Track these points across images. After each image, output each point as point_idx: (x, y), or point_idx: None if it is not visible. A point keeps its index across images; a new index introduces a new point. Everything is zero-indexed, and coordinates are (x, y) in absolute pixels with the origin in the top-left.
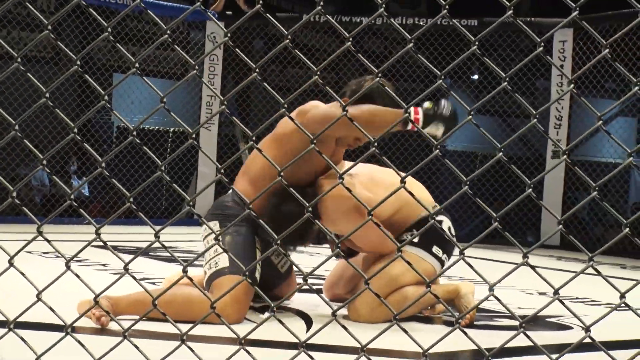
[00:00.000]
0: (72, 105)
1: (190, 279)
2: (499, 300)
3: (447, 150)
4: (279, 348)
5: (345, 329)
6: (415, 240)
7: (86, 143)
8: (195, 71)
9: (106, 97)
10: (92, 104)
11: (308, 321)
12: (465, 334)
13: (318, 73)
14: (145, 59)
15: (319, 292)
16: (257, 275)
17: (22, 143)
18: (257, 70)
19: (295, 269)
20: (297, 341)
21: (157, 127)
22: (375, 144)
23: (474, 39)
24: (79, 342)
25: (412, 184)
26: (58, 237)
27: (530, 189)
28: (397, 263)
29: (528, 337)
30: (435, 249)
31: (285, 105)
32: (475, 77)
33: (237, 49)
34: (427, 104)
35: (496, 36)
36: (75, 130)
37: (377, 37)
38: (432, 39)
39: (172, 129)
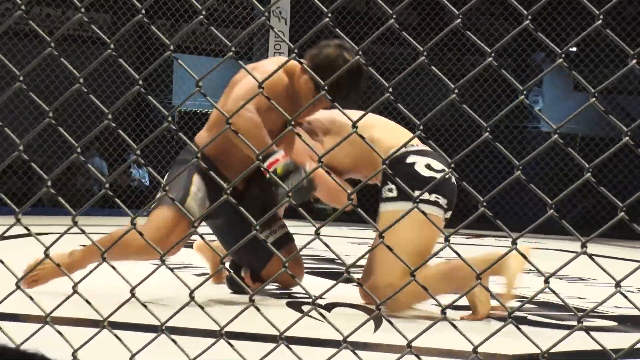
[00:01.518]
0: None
1: (140, 232)
2: (626, 297)
3: (540, 132)
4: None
5: (391, 323)
6: (393, 194)
7: (147, 128)
8: (295, 54)
9: (201, 84)
10: (153, 90)
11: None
12: (530, 325)
13: (425, 54)
14: (206, 38)
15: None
16: (194, 204)
17: (98, 133)
18: (360, 53)
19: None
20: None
21: None
22: (390, 89)
23: (597, 12)
24: (115, 336)
25: (375, 124)
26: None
27: None
28: (405, 231)
29: None
30: (418, 193)
31: (390, 90)
32: (574, 49)
33: (337, 28)
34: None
35: (595, 3)
36: (170, 118)
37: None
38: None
39: None
